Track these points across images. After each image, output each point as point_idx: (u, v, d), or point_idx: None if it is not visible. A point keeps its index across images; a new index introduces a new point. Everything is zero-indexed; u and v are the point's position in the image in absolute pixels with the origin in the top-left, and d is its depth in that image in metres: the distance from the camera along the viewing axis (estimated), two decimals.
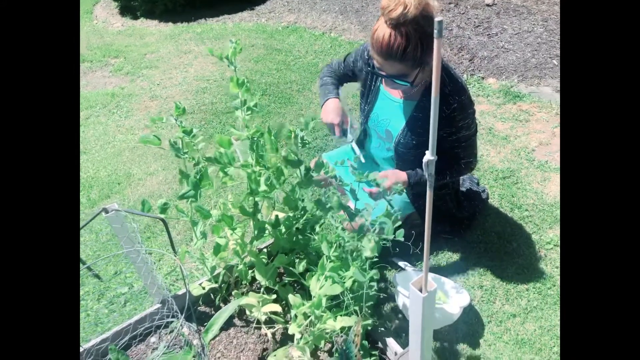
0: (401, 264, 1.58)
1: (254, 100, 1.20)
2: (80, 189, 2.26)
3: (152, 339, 1.33)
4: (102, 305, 1.63)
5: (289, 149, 1.17)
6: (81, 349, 1.16)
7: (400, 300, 1.38)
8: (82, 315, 1.59)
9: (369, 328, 1.22)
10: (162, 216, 1.12)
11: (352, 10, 3.92)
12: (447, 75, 1.29)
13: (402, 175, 1.39)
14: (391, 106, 1.44)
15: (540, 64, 2.70)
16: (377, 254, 1.12)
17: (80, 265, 1.11)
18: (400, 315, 1.44)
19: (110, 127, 2.78)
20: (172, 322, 1.29)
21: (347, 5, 4.01)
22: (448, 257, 1.64)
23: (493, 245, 1.66)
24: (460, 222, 1.68)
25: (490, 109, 2.44)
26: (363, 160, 1.51)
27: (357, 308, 1.14)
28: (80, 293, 1.69)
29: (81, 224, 1.04)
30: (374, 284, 1.13)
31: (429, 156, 0.55)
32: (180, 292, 1.39)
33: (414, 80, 1.25)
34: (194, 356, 1.09)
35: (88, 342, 1.26)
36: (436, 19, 0.46)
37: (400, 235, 1.06)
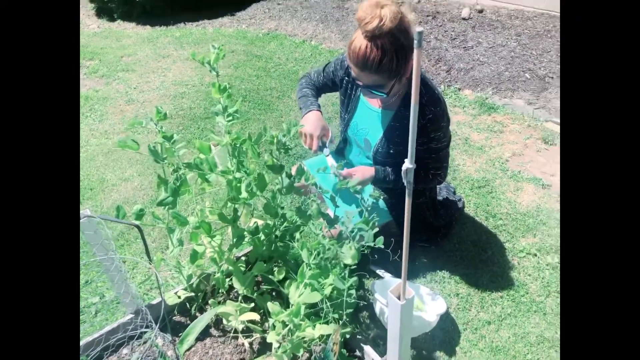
0: (379, 272, 1.59)
1: (235, 107, 1.19)
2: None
3: (125, 351, 1.28)
4: None
5: (270, 155, 1.17)
6: None
7: (378, 308, 1.38)
8: None
9: (348, 336, 1.22)
10: (137, 223, 1.09)
11: (333, 19, 3.96)
12: (424, 85, 1.32)
13: (370, 171, 1.41)
14: (370, 115, 1.46)
15: (513, 77, 2.79)
16: (356, 261, 1.12)
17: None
18: (378, 323, 1.44)
19: (84, 130, 2.71)
20: (145, 332, 1.26)
21: (328, 15, 4.06)
22: (425, 265, 1.66)
23: (469, 253, 1.69)
24: (437, 230, 1.70)
25: (466, 119, 2.50)
26: (333, 174, 1.51)
27: (335, 316, 1.14)
28: None
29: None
30: (353, 291, 1.13)
31: (407, 164, 0.56)
32: (154, 302, 1.35)
33: (390, 91, 1.27)
34: None
35: None
36: (416, 29, 0.47)
37: (379, 242, 1.07)
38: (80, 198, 2.14)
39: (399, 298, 0.79)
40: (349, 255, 1.10)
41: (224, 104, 1.16)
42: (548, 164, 2.15)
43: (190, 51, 3.68)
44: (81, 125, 2.76)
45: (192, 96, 3.00)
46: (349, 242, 1.09)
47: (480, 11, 3.54)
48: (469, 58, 3.00)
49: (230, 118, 1.17)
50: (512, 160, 2.17)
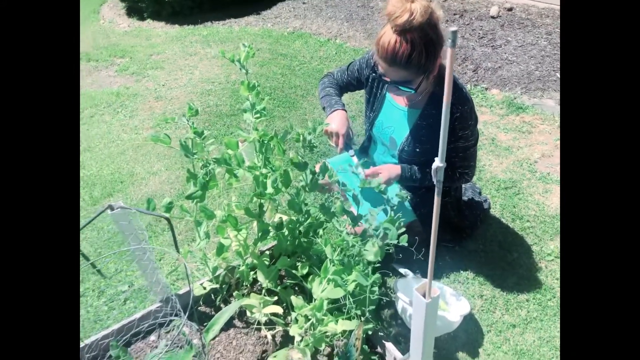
0: (402, 270, 1.58)
1: (263, 104, 1.21)
2: (83, 186, 2.26)
3: (152, 337, 1.33)
4: (102, 303, 1.63)
5: (296, 152, 1.18)
6: (82, 344, 1.16)
7: (400, 306, 1.38)
8: (82, 311, 1.59)
9: (370, 332, 1.22)
10: (167, 215, 1.12)
11: (358, 18, 3.95)
12: (452, 84, 1.31)
13: (396, 169, 1.41)
14: (396, 114, 1.45)
15: (543, 76, 2.72)
16: (380, 259, 1.12)
17: (84, 261, 1.12)
18: (399, 321, 1.44)
19: (115, 126, 2.80)
20: (172, 320, 1.30)
21: (353, 13, 4.05)
22: (449, 265, 1.64)
23: (494, 254, 1.67)
24: (461, 230, 1.69)
25: (493, 119, 2.46)
26: (360, 172, 1.52)
27: (358, 312, 1.15)
28: (81, 289, 1.69)
29: (86, 220, 1.04)
30: (376, 288, 1.14)
31: (437, 163, 0.56)
32: (181, 292, 1.39)
33: (418, 87, 1.26)
34: (194, 356, 1.09)
35: (88, 338, 1.26)
36: (450, 29, 0.47)
37: (404, 240, 1.07)
38: (111, 190, 2.22)
39: (424, 296, 0.79)
40: (372, 252, 1.10)
41: (252, 102, 1.18)
42: None
43: (218, 49, 3.76)
44: (112, 121, 2.85)
45: (219, 93, 3.05)
46: (373, 239, 1.10)
47: (510, 9, 3.47)
48: (497, 57, 2.94)
49: (258, 115, 1.20)
50: (541, 162, 2.12)
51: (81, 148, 2.60)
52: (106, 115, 2.93)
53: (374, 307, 1.18)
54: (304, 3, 4.44)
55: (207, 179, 1.12)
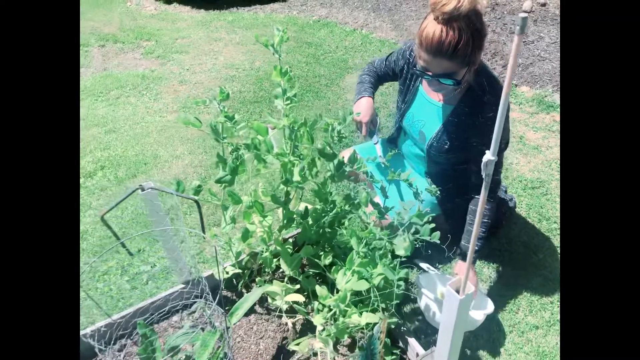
0: (423, 265, 1.57)
1: (294, 90, 1.20)
2: (108, 166, 2.30)
3: (175, 318, 1.35)
4: (125, 281, 1.66)
5: (324, 142, 1.17)
6: (109, 320, 1.18)
7: (423, 303, 1.37)
8: (105, 289, 1.62)
9: (392, 326, 1.22)
10: (196, 198, 1.13)
11: (385, 9, 3.88)
12: (489, 84, 1.27)
13: (472, 275, 1.36)
14: (428, 108, 1.42)
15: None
16: (409, 254, 1.11)
17: (112, 239, 1.13)
18: (420, 317, 1.43)
19: (140, 108, 2.82)
20: (195, 302, 1.31)
21: (380, 3, 3.98)
22: (484, 264, 1.62)
23: (518, 254, 1.64)
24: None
25: (522, 117, 2.40)
26: (383, 163, 1.49)
27: (382, 305, 1.14)
28: (105, 267, 1.72)
29: (117, 199, 1.05)
30: (402, 283, 1.12)
31: (489, 156, 0.54)
32: (204, 275, 1.40)
33: (462, 80, 1.23)
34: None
35: (111, 316, 1.29)
36: (521, 15, 0.45)
37: (435, 237, 1.05)
38: (135, 172, 2.25)
39: (457, 292, 0.77)
40: (402, 246, 1.09)
41: (283, 87, 1.17)
42: None
43: (242, 35, 3.75)
44: (137, 103, 2.88)
45: (242, 80, 3.05)
46: (404, 233, 1.08)
47: (544, 4, 3.36)
48: (528, 53, 2.86)
49: (289, 102, 1.18)
50: None
51: (107, 129, 2.63)
52: (131, 97, 2.96)
53: (398, 301, 1.18)
54: None
55: (237, 163, 1.11)
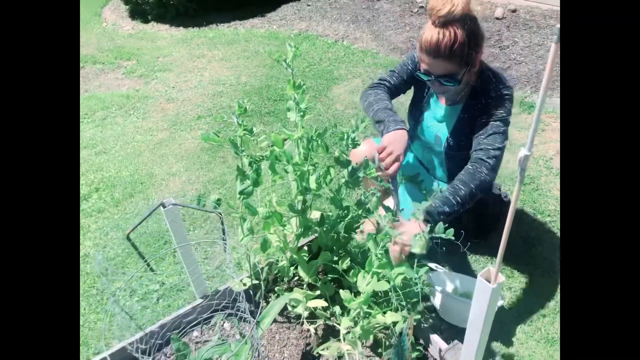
0: (432, 265, 1.62)
1: (305, 103, 1.25)
2: (103, 188, 2.27)
3: (195, 333, 1.35)
4: (135, 302, 1.64)
5: (340, 150, 1.22)
6: (122, 344, 1.17)
7: (437, 300, 1.42)
8: (116, 309, 1.60)
9: (414, 324, 1.26)
10: (219, 211, 1.15)
11: (364, 20, 4.00)
12: (494, 75, 1.38)
13: (415, 227, 1.18)
14: (440, 112, 1.50)
15: (552, 75, 2.79)
16: (424, 252, 1.16)
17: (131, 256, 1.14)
18: (434, 314, 1.48)
19: (129, 128, 2.80)
20: (219, 314, 1.32)
21: (359, 15, 4.10)
22: (475, 259, 1.69)
23: (519, 249, 1.72)
24: (486, 226, 1.73)
25: None
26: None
27: (403, 304, 1.18)
28: (112, 289, 1.70)
29: (139, 218, 1.06)
30: (421, 281, 1.17)
31: (524, 152, 0.59)
32: (221, 288, 1.41)
33: (461, 80, 1.31)
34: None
35: (127, 337, 1.28)
36: (556, 26, 0.51)
37: (450, 234, 1.10)
38: (132, 192, 2.23)
39: (488, 281, 0.83)
40: (418, 244, 1.14)
41: (296, 100, 1.22)
42: None
43: (224, 52, 3.78)
44: (125, 123, 2.85)
45: (230, 94, 3.07)
46: (420, 233, 1.13)
47: (514, 11, 3.54)
48: (505, 57, 3.01)
49: (302, 113, 1.23)
50: (557, 159, 2.18)
51: (96, 150, 2.60)
52: (118, 117, 2.93)
53: (417, 300, 1.22)
54: (308, 5, 4.47)
55: (256, 175, 1.14)
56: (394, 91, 1.56)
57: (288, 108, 1.24)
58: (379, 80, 1.57)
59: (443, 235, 1.11)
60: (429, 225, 1.14)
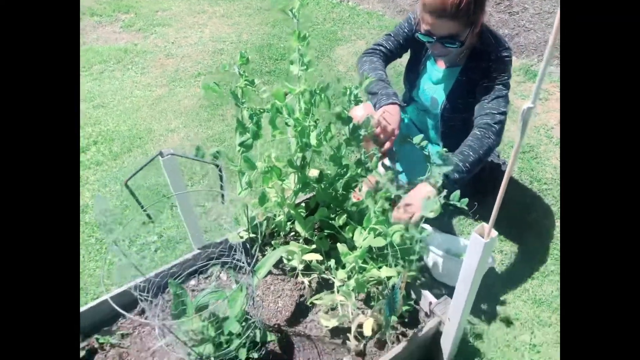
0: (424, 226, 1.65)
1: (309, 57, 1.22)
2: (102, 141, 2.26)
3: (192, 282, 1.38)
4: (134, 252, 1.67)
5: (342, 106, 1.20)
6: (128, 286, 1.20)
7: (431, 260, 1.45)
8: (115, 259, 1.64)
9: (408, 281, 1.29)
10: (218, 162, 1.15)
11: None
12: (494, 37, 1.35)
13: (426, 188, 1.20)
14: (437, 75, 1.47)
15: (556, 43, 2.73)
16: (437, 216, 1.15)
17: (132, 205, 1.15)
18: (425, 274, 1.52)
19: (127, 82, 2.75)
20: (217, 263, 1.35)
21: None
22: (470, 222, 1.71)
23: (514, 214, 1.74)
24: (484, 191, 1.74)
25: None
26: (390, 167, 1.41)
27: (400, 262, 1.20)
28: (110, 239, 1.72)
29: (137, 167, 1.06)
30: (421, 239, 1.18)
31: (528, 104, 0.59)
32: (219, 240, 1.44)
33: (465, 41, 1.28)
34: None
35: (130, 281, 1.31)
36: None
37: (464, 203, 1.08)
38: (130, 146, 2.22)
39: (482, 236, 0.84)
40: (430, 207, 1.10)
41: (300, 52, 1.19)
42: None
43: (225, 8, 3.66)
44: (123, 77, 2.80)
45: (231, 52, 3.01)
46: (434, 197, 1.12)
47: None
48: (514, 24, 2.94)
49: (305, 67, 1.20)
50: (558, 128, 2.17)
51: (94, 103, 2.57)
52: (116, 71, 2.88)
53: (415, 257, 1.24)
54: None
55: (257, 128, 1.14)
56: (390, 56, 1.53)
57: (291, 61, 1.21)
58: (375, 45, 1.54)
59: (457, 204, 1.09)
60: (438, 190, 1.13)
